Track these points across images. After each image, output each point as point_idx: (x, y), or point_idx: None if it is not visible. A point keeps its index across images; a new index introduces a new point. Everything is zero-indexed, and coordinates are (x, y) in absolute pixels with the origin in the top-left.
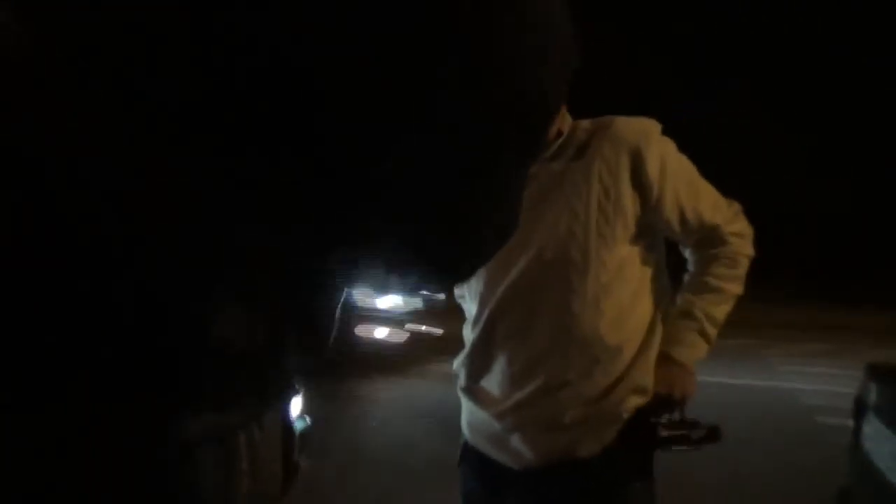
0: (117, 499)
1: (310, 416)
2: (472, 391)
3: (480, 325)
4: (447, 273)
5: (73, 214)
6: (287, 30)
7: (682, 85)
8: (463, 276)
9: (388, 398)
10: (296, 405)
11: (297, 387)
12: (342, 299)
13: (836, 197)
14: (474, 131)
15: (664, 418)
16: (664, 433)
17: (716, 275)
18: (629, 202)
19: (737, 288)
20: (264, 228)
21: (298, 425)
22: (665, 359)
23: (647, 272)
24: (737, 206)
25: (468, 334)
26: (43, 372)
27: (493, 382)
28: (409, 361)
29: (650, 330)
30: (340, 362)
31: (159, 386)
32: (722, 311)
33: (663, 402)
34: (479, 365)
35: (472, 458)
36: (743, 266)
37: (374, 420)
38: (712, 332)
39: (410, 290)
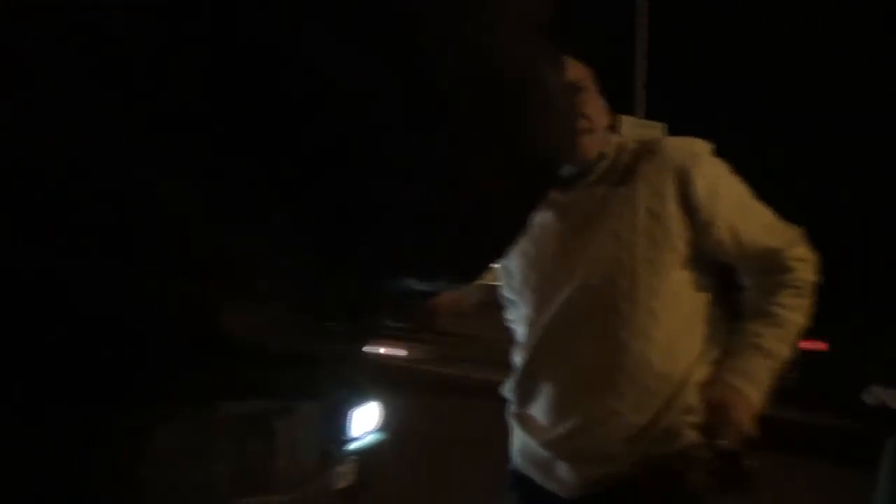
0: (165, 466)
1: (386, 429)
2: (521, 418)
3: (527, 351)
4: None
5: (73, 218)
6: (287, 29)
7: (682, 85)
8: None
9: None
10: (372, 417)
11: (346, 383)
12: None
13: None
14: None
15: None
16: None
17: (783, 305)
18: (678, 226)
19: (805, 318)
20: (276, 228)
21: (374, 438)
22: (730, 390)
23: (701, 299)
24: (797, 231)
25: (517, 360)
26: (108, 364)
27: (539, 410)
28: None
29: (702, 359)
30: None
31: (208, 376)
32: (791, 345)
33: (718, 432)
34: (526, 391)
35: (520, 484)
36: (809, 294)
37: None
38: (780, 369)
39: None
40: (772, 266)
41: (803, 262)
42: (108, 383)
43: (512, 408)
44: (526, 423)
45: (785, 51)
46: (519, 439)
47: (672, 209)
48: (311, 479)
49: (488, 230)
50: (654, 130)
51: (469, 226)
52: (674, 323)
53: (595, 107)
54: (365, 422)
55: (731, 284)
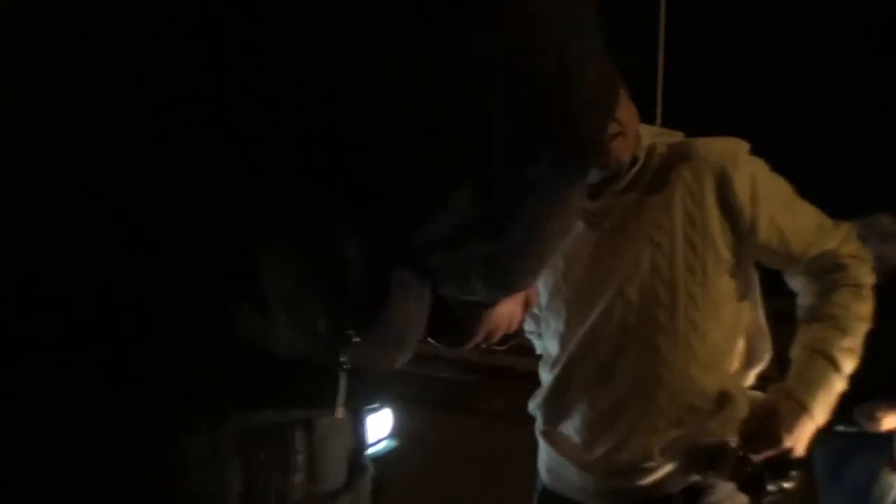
0: (174, 486)
1: (398, 436)
2: (551, 436)
3: (559, 366)
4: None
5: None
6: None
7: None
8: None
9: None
10: (385, 424)
11: (372, 395)
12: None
13: None
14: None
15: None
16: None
17: (843, 305)
18: (718, 231)
19: (867, 319)
20: (310, 231)
21: (387, 444)
22: (785, 397)
23: (745, 308)
24: (847, 227)
25: (545, 375)
26: (116, 373)
27: (572, 428)
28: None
29: (745, 372)
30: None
31: (219, 383)
32: (856, 349)
33: (760, 441)
34: (557, 408)
35: (549, 501)
36: (868, 293)
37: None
38: (847, 375)
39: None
40: (824, 267)
41: (857, 260)
42: (128, 380)
43: (540, 425)
44: (556, 441)
45: (805, 58)
46: (547, 457)
47: (712, 214)
48: (335, 497)
49: (520, 231)
50: (675, 138)
51: (496, 225)
52: (717, 334)
53: (626, 110)
54: (378, 428)
55: (774, 290)
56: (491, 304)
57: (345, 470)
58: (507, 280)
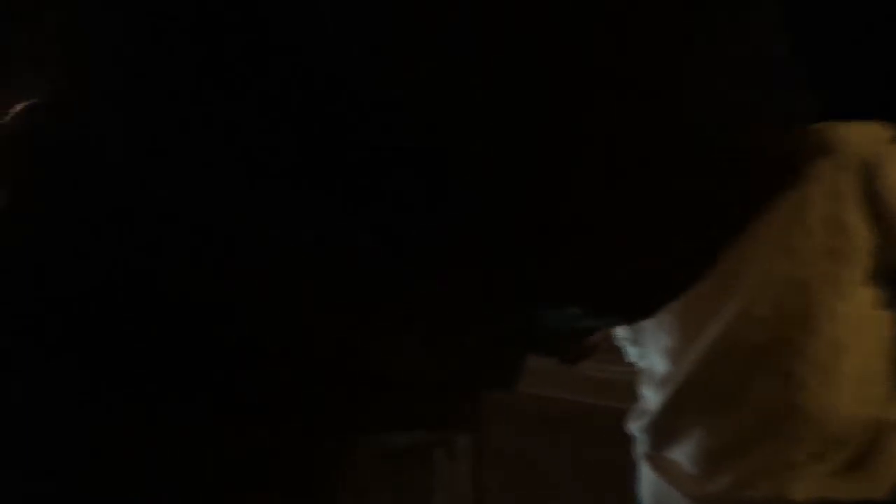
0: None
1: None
2: (658, 462)
3: (671, 386)
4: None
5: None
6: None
7: None
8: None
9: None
10: None
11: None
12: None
13: None
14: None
15: None
16: None
17: None
18: (863, 234)
19: None
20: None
21: None
22: None
23: (889, 321)
24: None
25: (650, 395)
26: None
27: (685, 456)
28: None
29: (893, 397)
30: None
31: (365, 407)
32: None
33: None
34: (667, 433)
35: None
36: None
37: None
38: None
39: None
40: None
41: None
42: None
43: (644, 448)
44: (663, 468)
45: None
46: (653, 484)
47: (855, 214)
48: None
49: (656, 248)
50: None
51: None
52: (862, 354)
53: None
54: None
55: None
56: (598, 328)
57: (471, 484)
58: (634, 306)
